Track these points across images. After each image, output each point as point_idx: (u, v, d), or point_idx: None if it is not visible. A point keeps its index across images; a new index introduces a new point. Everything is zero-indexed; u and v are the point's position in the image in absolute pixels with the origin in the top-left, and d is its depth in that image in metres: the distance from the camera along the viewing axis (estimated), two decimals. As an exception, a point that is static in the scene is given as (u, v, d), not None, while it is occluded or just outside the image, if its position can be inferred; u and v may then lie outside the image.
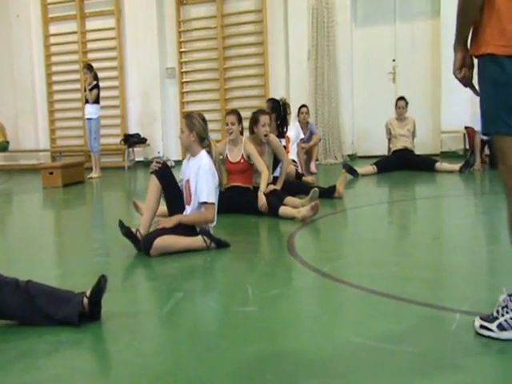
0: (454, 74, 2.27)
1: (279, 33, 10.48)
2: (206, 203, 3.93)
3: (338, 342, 2.31)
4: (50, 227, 5.84)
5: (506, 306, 2.19)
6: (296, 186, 5.95)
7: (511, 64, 2.04)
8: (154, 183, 4.07)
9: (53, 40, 12.07)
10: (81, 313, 2.54)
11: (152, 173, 4.09)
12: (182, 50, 11.28)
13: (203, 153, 4.04)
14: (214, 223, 4.06)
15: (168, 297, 3.04)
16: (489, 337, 2.20)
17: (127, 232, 3.89)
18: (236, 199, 5.16)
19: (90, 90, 9.43)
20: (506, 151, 2.12)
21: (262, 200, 4.99)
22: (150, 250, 3.76)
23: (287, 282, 3.30)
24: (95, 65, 10.00)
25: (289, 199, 5.18)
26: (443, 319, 2.49)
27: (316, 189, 5.08)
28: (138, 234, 3.92)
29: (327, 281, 3.17)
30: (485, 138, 7.35)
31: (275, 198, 5.10)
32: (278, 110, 6.28)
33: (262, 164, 5.24)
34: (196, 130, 4.00)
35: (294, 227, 4.56)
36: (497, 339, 2.18)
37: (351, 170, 7.59)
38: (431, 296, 2.83)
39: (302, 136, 7.42)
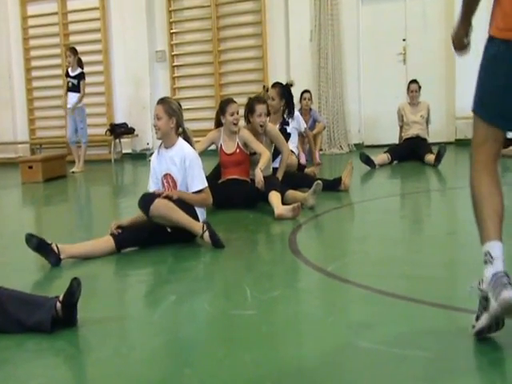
0: (453, 40, 2.44)
1: (279, 11, 10.44)
2: (202, 190, 4.11)
3: (343, 346, 2.31)
4: (29, 226, 5.83)
5: None
6: (298, 178, 5.95)
7: (507, 50, 2.14)
8: (106, 242, 3.90)
9: (31, 22, 12.03)
10: (54, 318, 2.55)
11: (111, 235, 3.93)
12: (173, 31, 11.25)
13: (181, 141, 4.13)
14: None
15: (159, 300, 3.05)
16: None
17: (39, 244, 3.68)
18: (233, 193, 5.15)
19: (74, 77, 9.41)
20: (475, 129, 2.33)
21: (258, 176, 4.99)
22: (150, 206, 3.83)
23: (288, 282, 3.31)
24: (78, 48, 9.96)
25: (290, 193, 5.17)
26: (458, 321, 2.49)
27: (319, 181, 5.07)
28: (53, 246, 3.72)
29: (332, 281, 3.18)
30: None
31: (275, 179, 5.19)
32: (286, 97, 6.24)
33: (260, 146, 5.24)
34: (176, 116, 4.08)
35: (295, 223, 4.56)
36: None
37: (368, 161, 7.49)
38: (445, 296, 2.83)
39: (304, 127, 7.34)
